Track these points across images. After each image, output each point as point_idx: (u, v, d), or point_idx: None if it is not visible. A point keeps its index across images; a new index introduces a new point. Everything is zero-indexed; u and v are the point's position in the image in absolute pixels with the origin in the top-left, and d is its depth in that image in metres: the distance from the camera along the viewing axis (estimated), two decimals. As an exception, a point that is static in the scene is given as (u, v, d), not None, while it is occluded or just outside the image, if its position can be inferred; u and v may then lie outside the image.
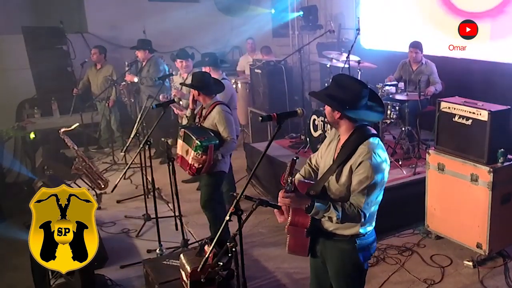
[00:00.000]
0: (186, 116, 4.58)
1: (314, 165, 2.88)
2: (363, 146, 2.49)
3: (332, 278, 2.76)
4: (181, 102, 5.70)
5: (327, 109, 2.62)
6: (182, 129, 4.30)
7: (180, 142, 4.32)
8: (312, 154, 3.01)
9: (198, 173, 4.17)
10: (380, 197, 2.60)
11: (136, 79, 7.03)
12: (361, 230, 2.61)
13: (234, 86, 7.20)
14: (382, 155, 2.51)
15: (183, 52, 6.02)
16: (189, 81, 4.70)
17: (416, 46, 6.02)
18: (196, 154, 4.03)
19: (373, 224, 2.68)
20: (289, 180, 2.44)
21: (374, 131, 2.61)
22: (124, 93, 7.29)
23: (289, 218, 2.59)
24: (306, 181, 2.80)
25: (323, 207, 2.46)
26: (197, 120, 4.38)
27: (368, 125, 2.62)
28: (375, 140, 2.53)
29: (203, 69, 5.13)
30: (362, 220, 2.50)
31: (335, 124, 2.63)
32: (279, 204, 2.55)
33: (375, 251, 2.82)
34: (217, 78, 4.77)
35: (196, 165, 4.09)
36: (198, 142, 4.01)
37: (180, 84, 5.54)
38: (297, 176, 2.89)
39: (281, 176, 2.53)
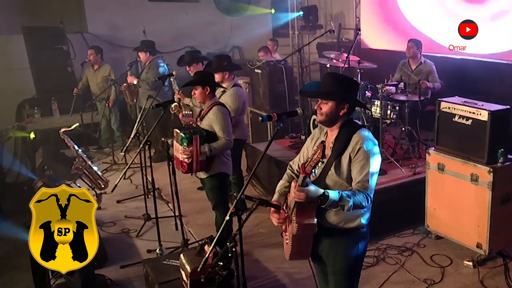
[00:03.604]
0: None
1: (297, 170, 2.89)
2: (357, 135, 2.62)
3: (334, 273, 2.77)
4: (189, 104, 5.56)
5: (328, 106, 2.63)
6: (175, 130, 4.26)
7: (174, 143, 4.32)
8: (292, 161, 3.02)
9: (190, 169, 4.11)
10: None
11: (136, 82, 7.02)
12: (363, 222, 2.69)
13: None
14: (375, 142, 2.67)
15: (189, 57, 5.82)
16: None
17: (412, 41, 6.09)
18: (183, 148, 4.03)
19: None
20: (314, 171, 2.41)
21: (360, 123, 2.76)
22: (126, 94, 7.28)
23: (294, 217, 2.55)
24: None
25: (336, 197, 2.47)
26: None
27: (354, 119, 2.76)
28: (365, 130, 2.68)
29: (220, 74, 4.92)
30: (368, 203, 2.58)
31: (333, 121, 2.67)
32: (294, 198, 2.52)
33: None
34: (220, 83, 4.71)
35: (186, 160, 4.05)
36: (182, 135, 4.02)
37: (184, 85, 5.44)
38: (281, 182, 2.93)
39: (302, 165, 2.43)
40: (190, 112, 4.90)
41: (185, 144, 4.01)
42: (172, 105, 4.76)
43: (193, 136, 4.01)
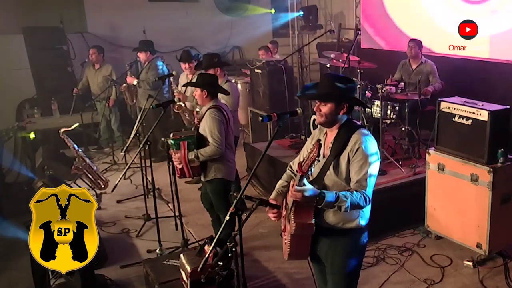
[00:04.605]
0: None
1: (296, 170, 2.88)
2: (356, 135, 2.61)
3: (333, 273, 2.77)
4: (186, 104, 5.57)
5: (328, 107, 2.63)
6: (172, 133, 4.25)
7: None
8: (292, 161, 3.02)
9: (183, 175, 4.13)
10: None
11: (135, 82, 7.02)
12: (362, 223, 2.69)
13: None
14: (374, 142, 2.65)
15: (186, 54, 5.87)
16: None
17: (413, 41, 6.09)
18: (174, 153, 4.05)
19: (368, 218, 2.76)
20: (310, 170, 2.42)
21: (359, 123, 2.75)
22: (126, 95, 7.27)
23: (292, 216, 2.55)
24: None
25: (332, 198, 2.47)
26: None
27: (353, 120, 2.75)
28: (365, 130, 2.67)
29: (212, 71, 4.88)
30: (366, 204, 2.56)
31: (332, 121, 2.67)
32: (291, 197, 2.52)
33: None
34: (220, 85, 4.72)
35: (178, 165, 4.07)
36: (172, 141, 4.03)
37: (184, 85, 5.47)
38: (280, 182, 2.94)
39: (298, 164, 2.46)
40: (197, 110, 4.93)
41: (174, 148, 4.04)
42: (176, 105, 4.77)
43: (180, 142, 4.01)
